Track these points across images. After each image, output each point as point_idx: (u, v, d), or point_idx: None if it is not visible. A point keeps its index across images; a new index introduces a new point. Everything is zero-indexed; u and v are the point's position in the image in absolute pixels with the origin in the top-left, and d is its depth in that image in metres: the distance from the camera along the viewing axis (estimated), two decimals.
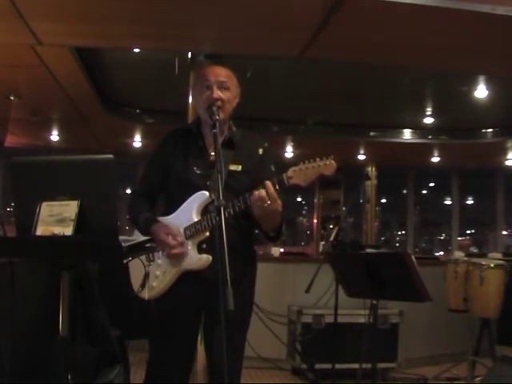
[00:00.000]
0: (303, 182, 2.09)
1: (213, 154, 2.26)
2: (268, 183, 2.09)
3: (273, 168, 2.39)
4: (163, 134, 2.51)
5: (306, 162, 2.09)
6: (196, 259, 2.24)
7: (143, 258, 2.34)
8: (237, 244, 2.23)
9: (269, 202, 2.09)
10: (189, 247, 2.25)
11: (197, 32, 4.28)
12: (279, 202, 2.13)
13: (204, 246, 2.24)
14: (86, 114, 7.40)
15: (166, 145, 2.44)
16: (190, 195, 2.27)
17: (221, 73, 2.35)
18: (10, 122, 8.11)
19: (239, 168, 2.32)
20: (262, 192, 2.08)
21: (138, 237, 2.38)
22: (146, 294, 2.32)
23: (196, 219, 2.24)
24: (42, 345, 2.67)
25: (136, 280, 2.37)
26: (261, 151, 2.40)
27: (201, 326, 2.38)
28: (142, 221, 2.35)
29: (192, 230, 2.24)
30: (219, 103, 2.29)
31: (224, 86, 2.32)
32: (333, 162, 2.07)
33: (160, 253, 2.32)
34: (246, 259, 2.35)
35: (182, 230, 2.26)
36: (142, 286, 2.33)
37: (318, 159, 2.09)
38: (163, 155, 2.42)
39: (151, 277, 2.31)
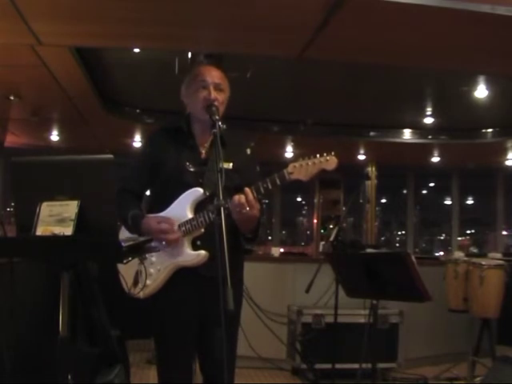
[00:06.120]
0: (304, 178, 2.14)
1: (204, 151, 2.38)
2: (247, 190, 2.15)
3: (258, 168, 2.47)
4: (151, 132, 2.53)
5: (306, 158, 2.15)
6: (193, 255, 2.26)
7: None
8: (228, 241, 2.24)
9: (247, 209, 2.13)
10: (184, 244, 2.26)
11: (197, 32, 4.28)
12: (258, 207, 2.18)
13: (198, 242, 2.27)
14: (86, 114, 7.39)
15: (155, 143, 2.46)
16: (182, 193, 2.29)
17: (216, 74, 2.42)
18: (10, 122, 8.11)
19: (230, 166, 2.35)
20: (242, 198, 2.14)
21: (124, 235, 2.36)
22: (138, 292, 2.31)
23: (190, 216, 2.26)
24: (42, 345, 2.67)
25: (129, 278, 2.35)
26: (248, 151, 2.48)
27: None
28: (131, 218, 2.34)
29: (187, 227, 2.26)
30: (216, 103, 2.34)
31: (219, 88, 2.40)
32: (333, 157, 2.13)
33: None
34: (235, 255, 2.35)
35: (175, 227, 2.26)
36: (135, 284, 2.32)
37: (318, 155, 2.15)
38: (153, 153, 2.43)
39: (144, 275, 2.30)
